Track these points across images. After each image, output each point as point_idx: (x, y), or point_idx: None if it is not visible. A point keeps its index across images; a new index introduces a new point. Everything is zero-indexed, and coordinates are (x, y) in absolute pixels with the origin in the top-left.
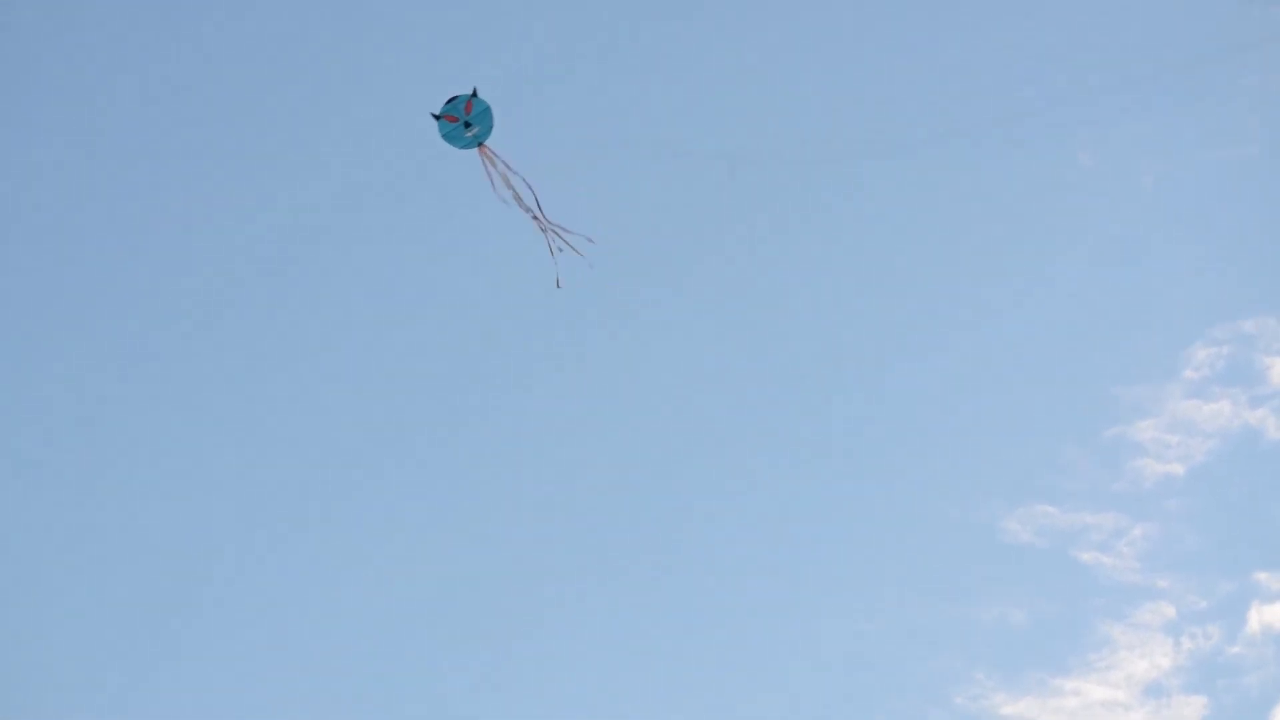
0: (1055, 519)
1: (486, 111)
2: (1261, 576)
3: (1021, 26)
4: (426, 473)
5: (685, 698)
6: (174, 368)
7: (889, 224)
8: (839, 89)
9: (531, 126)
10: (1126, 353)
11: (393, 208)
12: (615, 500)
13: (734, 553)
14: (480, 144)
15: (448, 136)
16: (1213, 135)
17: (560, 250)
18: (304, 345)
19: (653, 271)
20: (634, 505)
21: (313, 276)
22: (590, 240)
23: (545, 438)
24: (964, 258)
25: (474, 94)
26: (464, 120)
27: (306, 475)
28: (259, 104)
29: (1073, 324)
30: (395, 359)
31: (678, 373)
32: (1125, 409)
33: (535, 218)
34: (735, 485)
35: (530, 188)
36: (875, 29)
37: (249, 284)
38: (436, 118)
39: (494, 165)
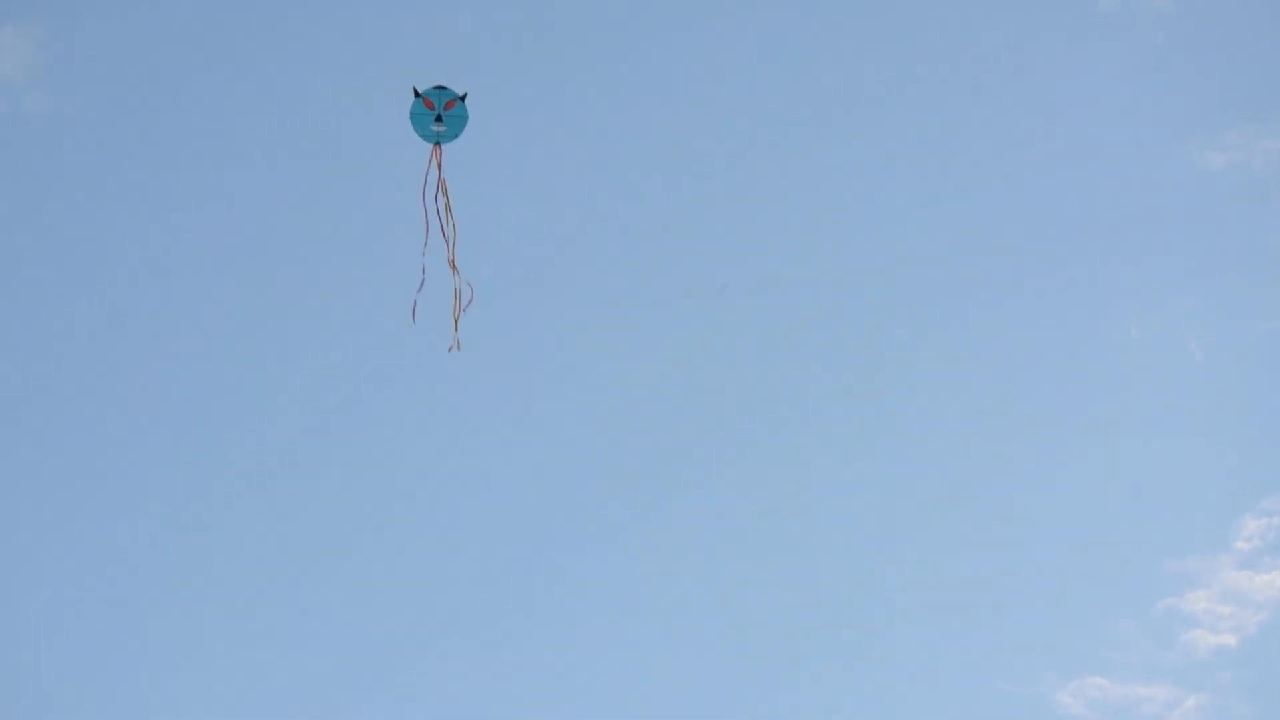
0: (1108, 691)
1: (462, 119)
2: None
3: (1071, 198)
4: None
5: None
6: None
7: (938, 393)
8: (875, 254)
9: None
10: (1177, 525)
11: None
12: None
13: None
14: (438, 143)
15: (415, 117)
16: (1264, 308)
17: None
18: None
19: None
20: None
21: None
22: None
23: None
24: (1013, 430)
25: (462, 97)
26: (438, 113)
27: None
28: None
29: (1123, 497)
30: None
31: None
32: (1176, 581)
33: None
34: (778, 677)
35: (452, 221)
36: (918, 186)
37: None
38: (417, 94)
39: (438, 170)
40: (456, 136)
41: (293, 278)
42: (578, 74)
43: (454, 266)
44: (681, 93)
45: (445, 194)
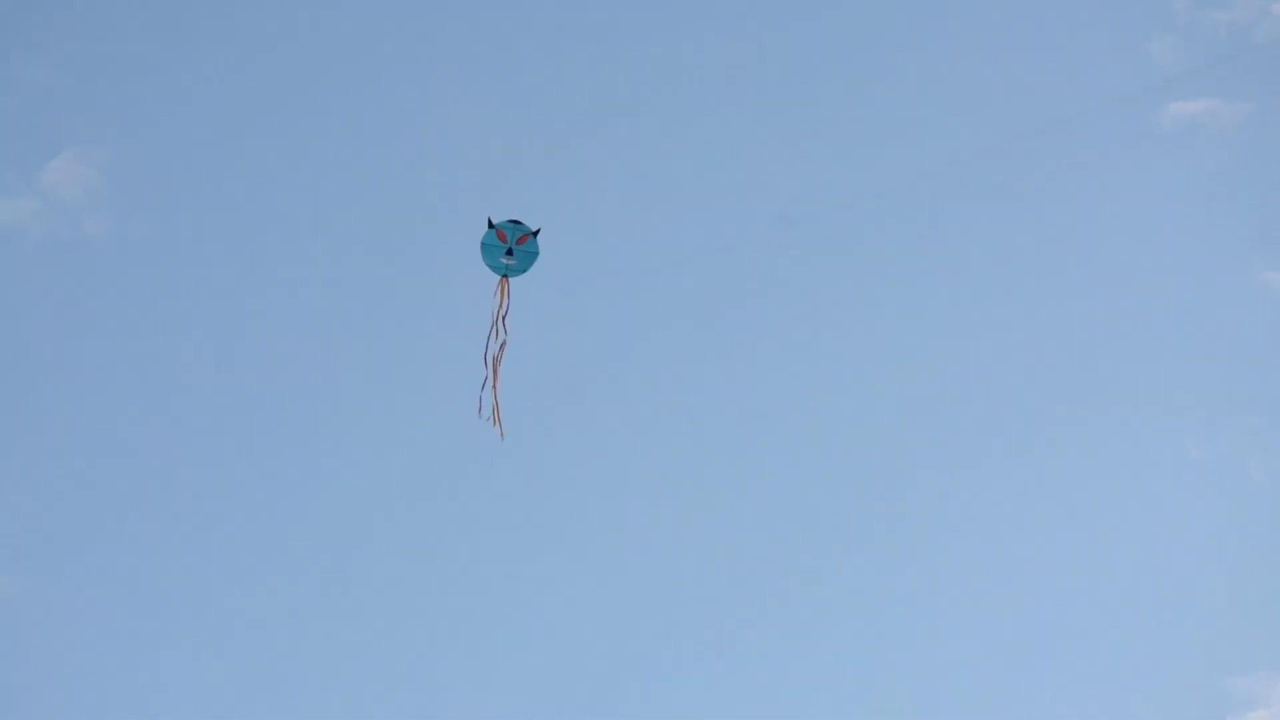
0: None
1: (532, 255)
2: None
3: (1132, 316)
4: None
5: None
6: None
7: (998, 510)
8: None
9: None
10: (1237, 644)
11: None
12: None
13: None
14: (505, 275)
15: (486, 247)
16: None
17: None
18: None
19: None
20: None
21: None
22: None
23: None
24: (1074, 548)
25: (535, 233)
26: (509, 247)
27: None
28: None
29: (1183, 614)
30: None
31: None
32: (1239, 700)
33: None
34: None
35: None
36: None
37: None
38: (491, 225)
39: (503, 302)
40: (525, 271)
41: (351, 384)
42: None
43: (495, 411)
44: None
45: (504, 327)
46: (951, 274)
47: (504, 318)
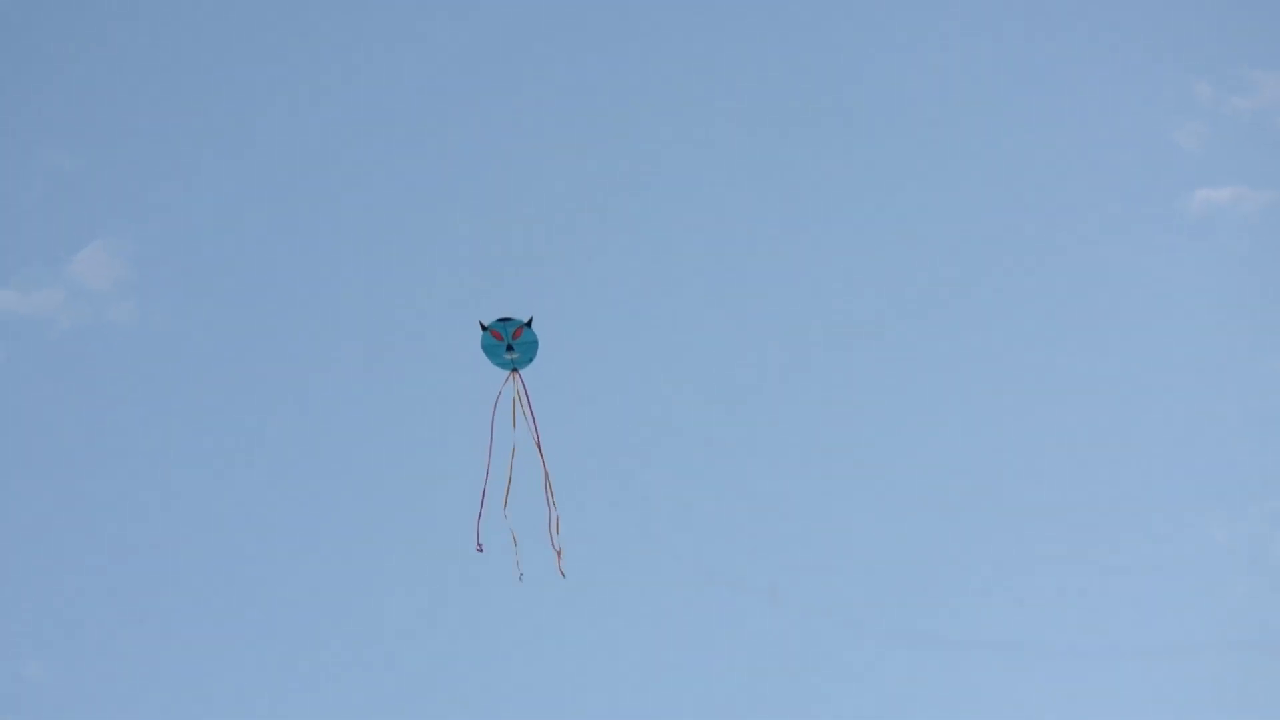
0: None
1: (533, 344)
2: None
3: (1154, 402)
4: None
5: None
6: None
7: (1034, 609)
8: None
9: None
10: None
11: None
12: None
13: None
14: (514, 369)
15: (487, 349)
16: None
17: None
18: None
19: None
20: None
21: None
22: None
23: None
24: (1095, 637)
25: (528, 323)
26: (507, 343)
27: None
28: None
29: (1206, 707)
30: None
31: None
32: None
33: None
34: None
35: (539, 443)
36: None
37: None
38: (484, 328)
39: (516, 395)
40: (530, 362)
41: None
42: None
43: (550, 500)
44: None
45: (522, 418)
46: (974, 362)
47: (528, 411)
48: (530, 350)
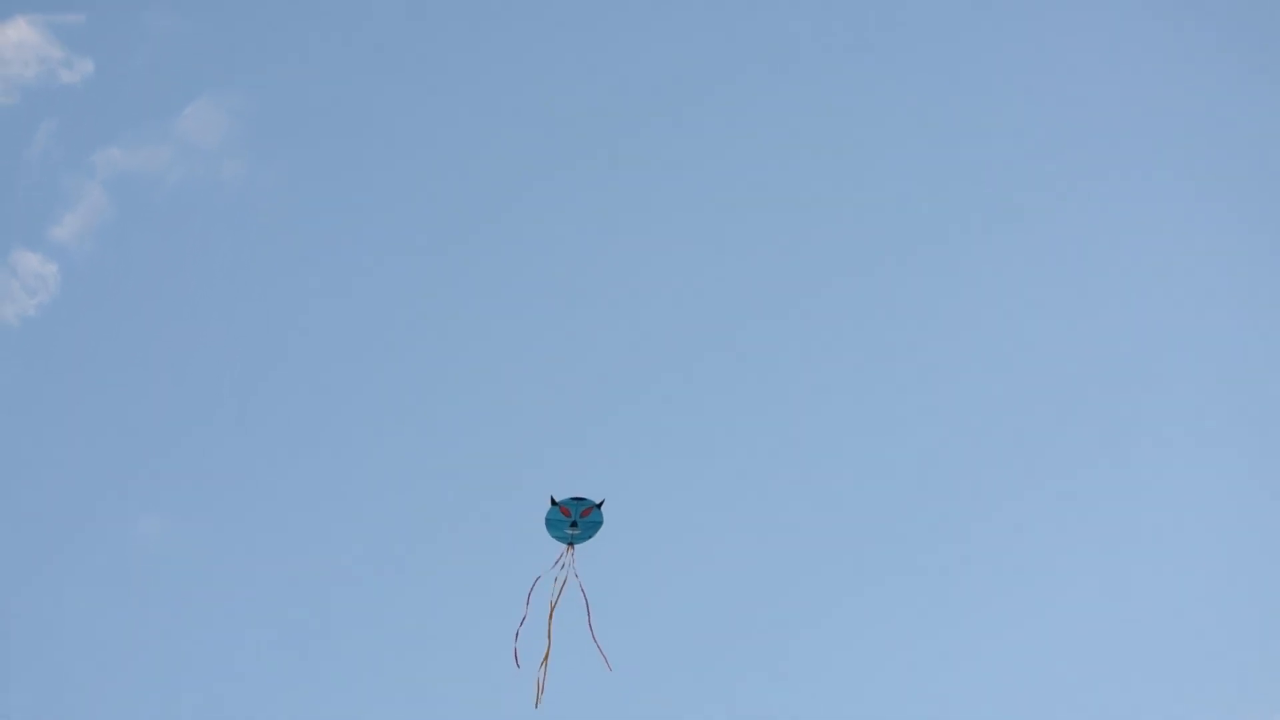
0: None
1: (597, 525)
2: None
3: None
4: None
5: None
6: None
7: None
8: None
9: None
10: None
11: None
12: None
13: None
14: (571, 543)
15: (550, 522)
16: None
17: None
18: None
19: None
20: None
21: None
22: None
23: None
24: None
25: (599, 505)
26: (573, 519)
27: None
28: None
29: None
30: None
31: None
32: None
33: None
34: None
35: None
36: None
37: None
38: (554, 503)
39: (566, 566)
40: (589, 539)
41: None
42: None
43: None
44: None
45: (563, 590)
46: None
47: (576, 580)
48: (593, 530)
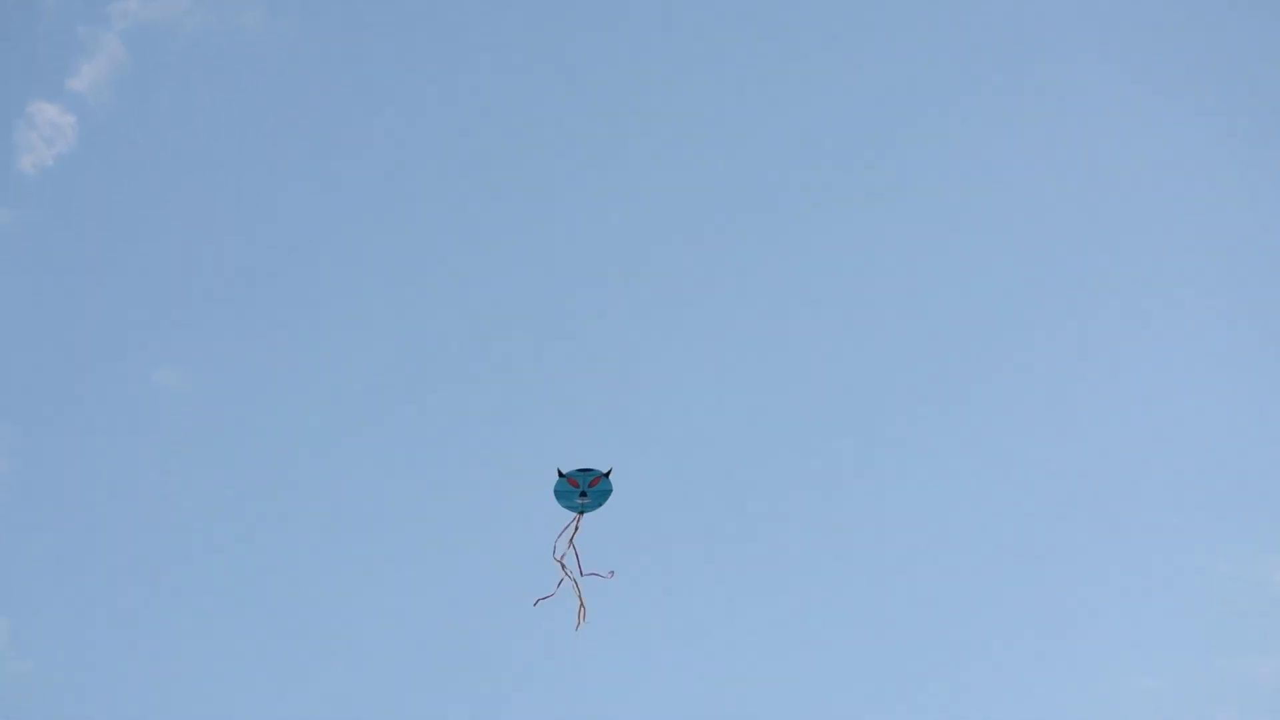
0: None
1: (606, 494)
2: None
3: None
4: None
5: None
6: None
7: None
8: None
9: None
10: None
11: None
12: None
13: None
14: (580, 513)
15: (559, 492)
16: None
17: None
18: None
19: None
20: None
21: None
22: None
23: None
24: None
25: (607, 474)
26: (582, 489)
27: None
28: None
29: None
30: None
31: None
32: None
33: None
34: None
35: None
36: None
37: None
38: (561, 475)
39: (574, 532)
40: (599, 508)
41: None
42: None
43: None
44: None
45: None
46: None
47: (572, 543)
48: (602, 499)
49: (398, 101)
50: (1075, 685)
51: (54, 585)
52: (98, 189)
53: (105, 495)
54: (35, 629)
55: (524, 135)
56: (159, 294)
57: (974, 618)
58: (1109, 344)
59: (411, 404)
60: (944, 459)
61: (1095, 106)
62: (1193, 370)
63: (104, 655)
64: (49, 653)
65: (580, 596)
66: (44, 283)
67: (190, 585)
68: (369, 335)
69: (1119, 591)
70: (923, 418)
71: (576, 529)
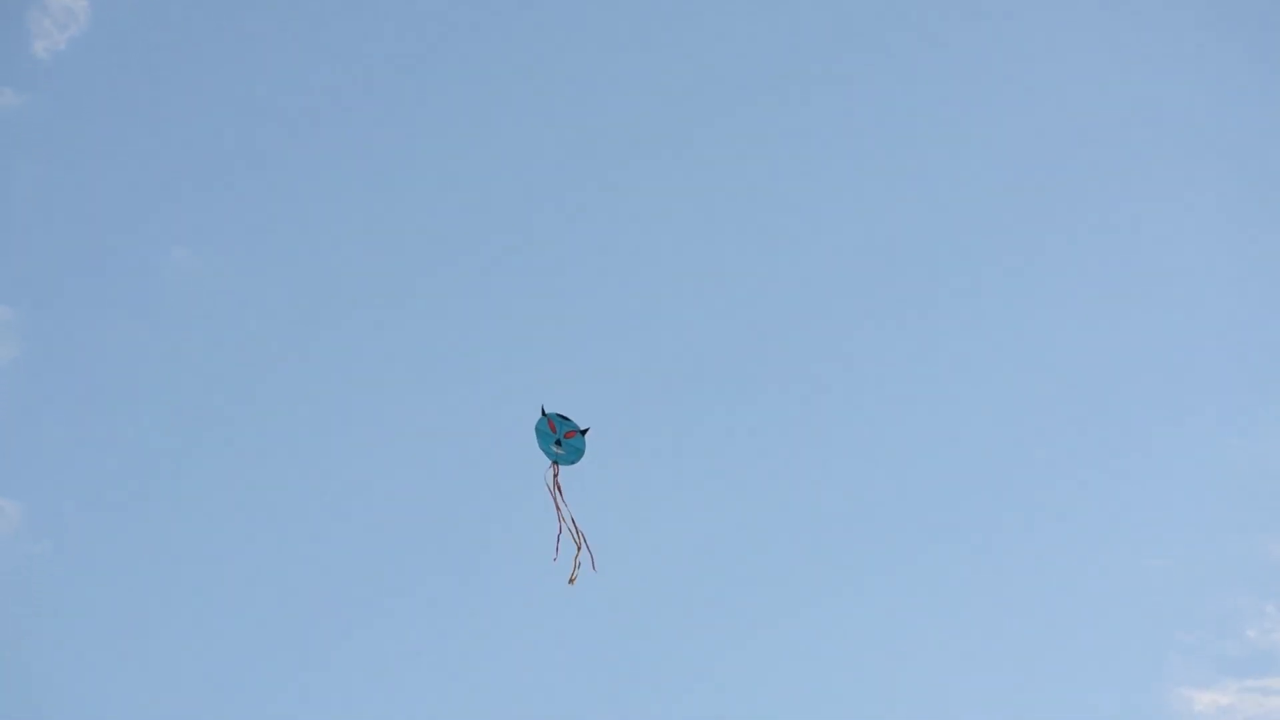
0: None
1: (579, 451)
2: None
3: None
4: None
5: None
6: None
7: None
8: None
9: None
10: None
11: None
12: None
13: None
14: (555, 462)
15: (540, 433)
16: None
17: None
18: None
19: None
20: None
21: None
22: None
23: None
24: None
25: (583, 432)
26: (558, 438)
27: None
28: None
29: None
30: None
31: None
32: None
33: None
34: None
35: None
36: None
37: None
38: (544, 415)
39: (556, 485)
40: (572, 464)
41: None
42: None
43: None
44: None
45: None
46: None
47: (559, 498)
48: (575, 455)
49: None
50: (1086, 567)
51: (66, 467)
52: (110, 72)
53: (118, 377)
54: (48, 512)
55: None
56: (170, 177)
57: (984, 503)
58: (1119, 225)
59: (424, 293)
60: (954, 340)
61: None
62: (1203, 248)
63: (117, 537)
64: (62, 535)
65: (578, 543)
66: (57, 166)
67: (203, 467)
68: (387, 219)
69: (1129, 472)
70: (934, 303)
71: (556, 477)
